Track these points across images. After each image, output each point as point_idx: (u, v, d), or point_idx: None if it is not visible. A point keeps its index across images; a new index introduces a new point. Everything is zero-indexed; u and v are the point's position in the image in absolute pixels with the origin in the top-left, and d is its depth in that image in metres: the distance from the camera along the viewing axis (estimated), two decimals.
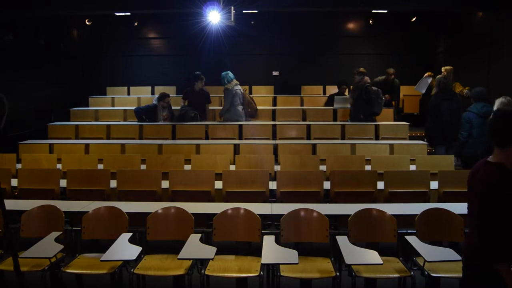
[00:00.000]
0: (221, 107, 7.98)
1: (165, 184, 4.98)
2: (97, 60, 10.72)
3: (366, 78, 7.24)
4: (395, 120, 7.99)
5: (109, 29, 10.57)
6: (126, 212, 3.89)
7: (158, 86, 9.76)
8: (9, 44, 8.00)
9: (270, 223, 4.48)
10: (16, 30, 8.18)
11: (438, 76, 6.81)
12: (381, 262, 3.12)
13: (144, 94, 10.05)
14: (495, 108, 5.33)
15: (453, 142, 6.31)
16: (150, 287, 3.84)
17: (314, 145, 6.46)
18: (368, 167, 5.63)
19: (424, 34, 9.99)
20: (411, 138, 7.52)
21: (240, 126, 7.47)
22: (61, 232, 3.76)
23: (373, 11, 9.55)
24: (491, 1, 7.06)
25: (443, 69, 7.15)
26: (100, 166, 5.77)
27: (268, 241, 3.44)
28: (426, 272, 3.34)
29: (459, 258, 3.17)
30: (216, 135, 7.32)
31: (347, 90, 8.80)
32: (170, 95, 8.10)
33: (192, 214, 3.87)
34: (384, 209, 3.88)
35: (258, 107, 8.13)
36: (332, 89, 9.90)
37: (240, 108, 7.52)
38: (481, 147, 5.62)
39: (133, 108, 8.62)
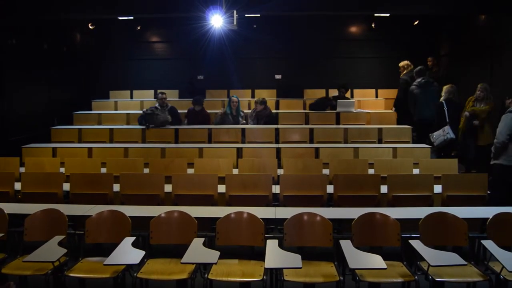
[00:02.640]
0: (220, 110, 8.11)
1: (168, 188, 4.99)
2: (100, 64, 10.74)
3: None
4: None
5: (112, 33, 10.59)
6: (129, 216, 3.89)
7: (161, 90, 9.75)
8: (12, 47, 8.02)
9: (273, 227, 4.47)
10: (19, 34, 8.21)
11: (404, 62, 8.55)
12: (385, 266, 3.11)
13: (147, 98, 10.07)
14: (443, 94, 6.99)
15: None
16: None
17: (317, 149, 6.46)
18: (371, 171, 5.62)
19: (427, 37, 9.98)
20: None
21: (243, 129, 7.48)
22: (64, 236, 3.75)
23: (376, 14, 9.56)
24: (494, 4, 7.05)
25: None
26: (103, 170, 5.78)
27: (272, 245, 3.43)
28: (430, 277, 3.33)
29: (464, 262, 3.17)
30: (219, 139, 7.32)
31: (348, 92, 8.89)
32: (172, 99, 8.13)
33: (195, 218, 3.86)
34: (387, 213, 3.87)
35: None
36: (335, 93, 9.89)
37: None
38: (425, 111, 7.31)
39: (135, 112, 8.66)
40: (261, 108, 7.91)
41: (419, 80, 7.52)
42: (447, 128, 6.71)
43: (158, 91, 8.28)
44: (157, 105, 7.88)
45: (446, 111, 6.82)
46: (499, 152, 5.30)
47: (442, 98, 6.98)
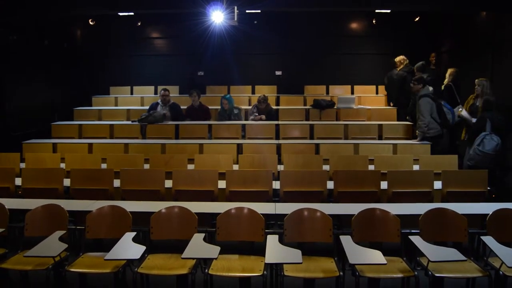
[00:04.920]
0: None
1: (168, 183, 4.99)
2: (101, 60, 10.72)
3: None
4: None
5: (113, 29, 10.56)
6: (130, 212, 3.90)
7: (161, 86, 9.75)
8: (13, 44, 8.02)
9: (273, 222, 4.48)
10: (20, 30, 8.21)
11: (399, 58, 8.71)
12: (385, 262, 3.12)
13: (147, 94, 10.06)
14: (447, 76, 7.51)
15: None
16: (154, 286, 3.84)
17: (317, 145, 6.46)
18: (371, 167, 5.63)
19: (428, 33, 9.95)
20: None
21: (244, 125, 7.49)
22: (65, 231, 3.77)
23: (376, 11, 9.53)
24: (495, 2, 7.03)
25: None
26: (104, 166, 5.78)
27: (272, 240, 3.44)
28: (430, 272, 3.34)
29: (463, 258, 3.17)
30: (220, 135, 7.32)
31: None
32: (173, 95, 8.10)
33: (196, 213, 3.88)
34: (387, 209, 3.88)
35: None
36: (335, 89, 9.91)
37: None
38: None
39: (136, 108, 8.65)
40: (264, 106, 7.95)
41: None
42: (461, 106, 6.91)
43: (161, 87, 8.26)
44: (159, 101, 7.87)
45: (455, 92, 7.28)
46: (424, 131, 6.47)
47: (447, 80, 7.49)
